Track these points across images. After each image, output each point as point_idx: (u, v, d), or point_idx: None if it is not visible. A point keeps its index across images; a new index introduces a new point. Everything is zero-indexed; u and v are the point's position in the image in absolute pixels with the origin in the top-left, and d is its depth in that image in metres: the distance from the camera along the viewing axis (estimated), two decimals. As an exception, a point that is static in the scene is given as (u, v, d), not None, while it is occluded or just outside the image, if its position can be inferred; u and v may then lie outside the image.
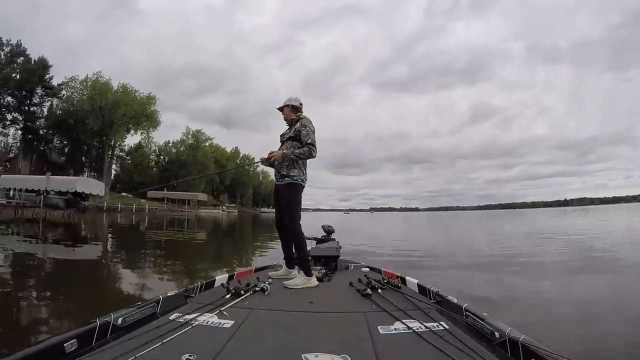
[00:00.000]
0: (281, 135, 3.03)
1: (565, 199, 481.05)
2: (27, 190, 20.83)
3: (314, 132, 2.81)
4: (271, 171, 3.11)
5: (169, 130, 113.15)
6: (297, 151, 2.77)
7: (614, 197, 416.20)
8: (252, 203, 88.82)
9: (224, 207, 59.81)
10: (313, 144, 2.75)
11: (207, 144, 62.68)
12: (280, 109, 3.02)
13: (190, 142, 60.52)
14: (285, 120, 3.02)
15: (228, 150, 71.19)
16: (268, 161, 2.89)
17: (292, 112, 2.96)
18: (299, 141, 2.80)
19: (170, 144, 61.13)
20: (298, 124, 2.86)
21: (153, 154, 61.06)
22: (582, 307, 3.72)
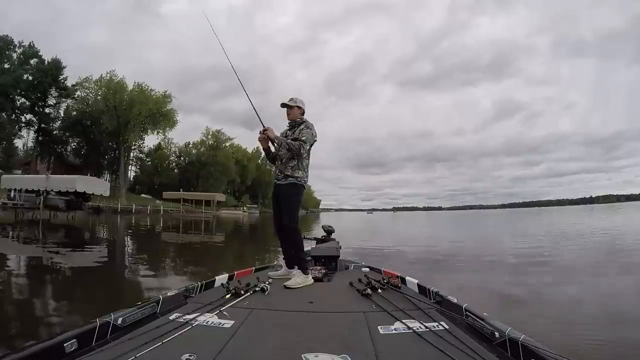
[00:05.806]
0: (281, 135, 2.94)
1: (591, 197, 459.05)
2: (27, 191, 19.32)
3: (312, 137, 2.82)
4: None
5: (192, 132, 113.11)
6: (290, 141, 2.75)
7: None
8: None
9: (244, 208, 58.11)
10: (306, 142, 2.74)
11: (227, 144, 61.25)
12: (288, 106, 2.90)
13: (210, 142, 59.28)
14: (289, 119, 2.92)
15: (249, 150, 69.34)
16: (267, 138, 2.78)
17: (300, 113, 2.92)
18: None
19: (190, 145, 60.30)
20: (303, 126, 2.82)
21: (173, 155, 60.28)
22: None
